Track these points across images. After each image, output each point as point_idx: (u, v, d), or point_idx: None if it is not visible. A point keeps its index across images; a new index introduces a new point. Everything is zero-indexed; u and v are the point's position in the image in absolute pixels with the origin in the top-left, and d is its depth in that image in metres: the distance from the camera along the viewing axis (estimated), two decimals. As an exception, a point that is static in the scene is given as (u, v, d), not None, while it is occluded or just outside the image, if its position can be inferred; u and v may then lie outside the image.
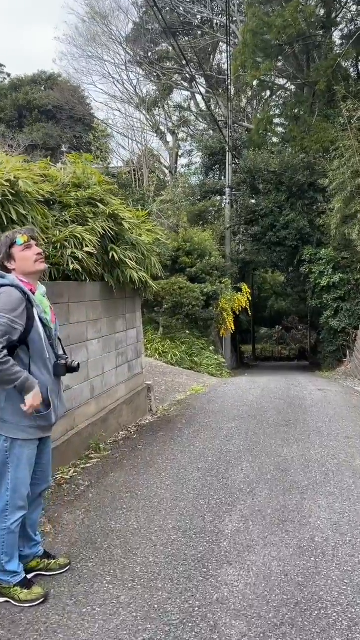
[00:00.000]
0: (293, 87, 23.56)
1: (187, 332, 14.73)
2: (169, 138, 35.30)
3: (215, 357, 14.65)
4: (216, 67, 29.98)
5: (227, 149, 20.82)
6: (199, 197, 22.08)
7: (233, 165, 21.41)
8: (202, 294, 14.42)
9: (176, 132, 34.92)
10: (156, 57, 31.28)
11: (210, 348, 15.17)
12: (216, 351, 15.97)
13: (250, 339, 33.84)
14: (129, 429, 6.42)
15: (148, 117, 34.11)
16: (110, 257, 5.75)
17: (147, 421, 7.05)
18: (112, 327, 6.34)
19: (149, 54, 31.42)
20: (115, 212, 5.90)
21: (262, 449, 5.36)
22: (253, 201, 20.18)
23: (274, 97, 25.86)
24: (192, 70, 25.55)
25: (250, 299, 19.18)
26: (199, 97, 32.38)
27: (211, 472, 4.60)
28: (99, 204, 5.75)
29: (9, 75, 34.78)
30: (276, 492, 4.11)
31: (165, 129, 35.37)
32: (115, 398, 6.33)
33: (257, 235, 19.82)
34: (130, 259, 6.06)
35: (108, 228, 5.68)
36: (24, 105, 31.39)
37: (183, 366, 13.06)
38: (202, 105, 31.75)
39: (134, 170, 22.29)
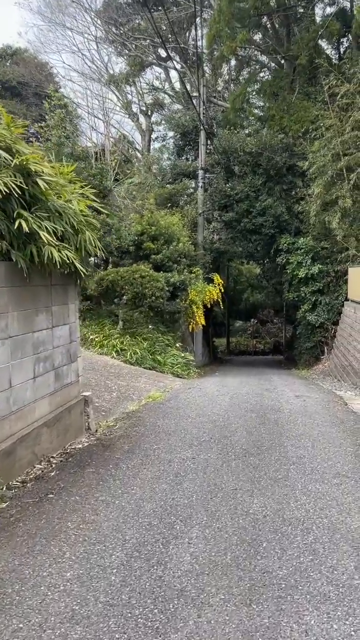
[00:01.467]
0: (272, 63, 22.01)
1: (151, 326, 13.14)
2: (142, 119, 33.47)
3: (182, 354, 13.11)
4: (192, 43, 28.20)
5: (200, 126, 19.17)
6: (170, 180, 20.42)
7: (207, 147, 19.80)
8: (168, 284, 12.84)
9: (149, 113, 33.09)
10: (128, 32, 29.31)
11: (177, 344, 13.61)
12: (184, 348, 14.44)
13: (224, 332, 32.45)
14: (51, 460, 4.82)
15: (118, 95, 32.22)
16: (16, 227, 4.12)
17: (81, 445, 5.46)
18: (28, 323, 4.70)
19: (121, 29, 29.44)
20: (27, 164, 4.25)
21: (223, 500, 3.83)
22: (228, 185, 18.61)
23: (251, 72, 24.24)
24: (166, 45, 23.73)
25: (223, 290, 17.69)
26: (174, 78, 30.64)
27: (141, 553, 3.02)
28: (2, 152, 4.11)
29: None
30: (236, 599, 2.58)
31: (137, 110, 33.52)
32: (31, 419, 4.72)
33: (232, 222, 18.30)
34: (49, 232, 4.43)
35: (15, 185, 4.05)
36: (-14, 80, 29.16)
37: (144, 365, 11.49)
38: (178, 87, 30.04)
39: (101, 151, 20.51)
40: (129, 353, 11.55)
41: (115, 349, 11.65)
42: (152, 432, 5.95)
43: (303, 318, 16.84)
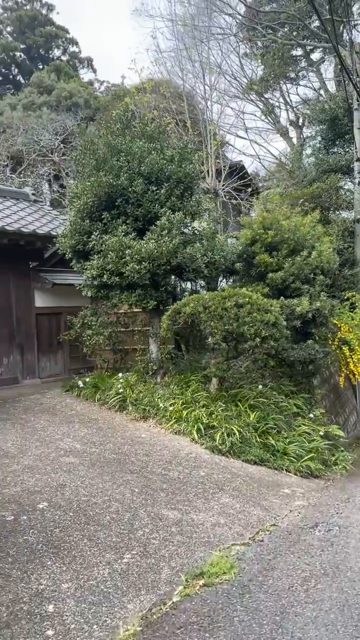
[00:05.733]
0: None
1: (268, 383, 8.26)
2: (292, 134, 28.90)
3: (321, 430, 7.85)
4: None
5: (355, 103, 14.00)
6: (314, 177, 15.46)
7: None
8: (292, 315, 7.90)
9: (300, 123, 28.41)
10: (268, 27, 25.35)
11: (317, 411, 8.41)
12: (329, 416, 9.14)
13: None
14: None
15: (261, 105, 28.25)
16: None
17: None
18: None
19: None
20: None
21: None
22: None
23: None
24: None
25: None
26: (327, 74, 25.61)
27: None
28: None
29: (103, 82, 31.82)
30: None
31: (286, 122, 29.07)
32: None
33: None
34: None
35: None
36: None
37: (245, 457, 6.63)
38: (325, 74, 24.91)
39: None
40: (219, 433, 6.83)
41: (197, 426, 7.04)
42: None
43: None
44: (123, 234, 7.87)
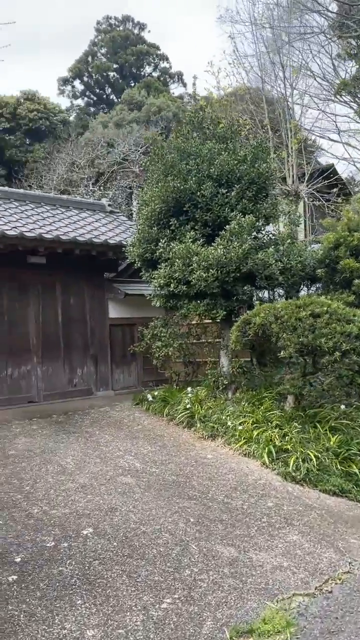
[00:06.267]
0: None
1: (354, 402, 7.38)
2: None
3: None
4: None
5: None
6: None
7: None
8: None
9: None
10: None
11: None
12: None
13: None
14: None
15: (355, 107, 26.71)
16: None
17: None
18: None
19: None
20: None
21: None
22: None
23: None
24: None
25: None
26: None
27: None
28: None
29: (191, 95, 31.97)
30: None
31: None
32: None
33: None
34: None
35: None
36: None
37: (323, 486, 5.85)
38: None
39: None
40: (293, 458, 6.12)
41: (268, 448, 6.38)
42: None
43: None
44: (191, 240, 7.46)
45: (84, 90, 42.36)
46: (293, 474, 5.99)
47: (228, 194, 7.60)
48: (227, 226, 7.41)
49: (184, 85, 46.47)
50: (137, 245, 8.15)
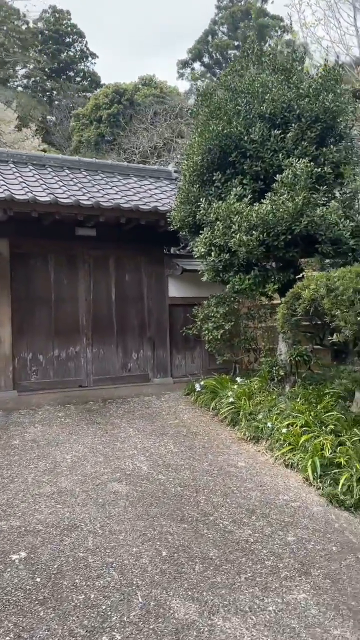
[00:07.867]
0: None
1: None
2: None
3: None
4: None
5: None
6: None
7: None
8: None
9: None
10: None
11: None
12: None
13: None
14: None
15: None
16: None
17: None
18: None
19: None
20: None
21: None
22: None
23: None
24: None
25: None
26: None
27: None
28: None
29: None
30: None
31: None
32: None
33: None
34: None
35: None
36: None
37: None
38: None
39: None
40: (345, 476, 4.53)
41: (313, 460, 4.83)
42: None
43: None
44: (236, 197, 6.05)
45: (204, 72, 41.43)
46: (342, 497, 4.43)
47: (283, 135, 6.03)
48: (279, 176, 5.87)
49: (310, 57, 43.22)
50: (178, 208, 6.94)
